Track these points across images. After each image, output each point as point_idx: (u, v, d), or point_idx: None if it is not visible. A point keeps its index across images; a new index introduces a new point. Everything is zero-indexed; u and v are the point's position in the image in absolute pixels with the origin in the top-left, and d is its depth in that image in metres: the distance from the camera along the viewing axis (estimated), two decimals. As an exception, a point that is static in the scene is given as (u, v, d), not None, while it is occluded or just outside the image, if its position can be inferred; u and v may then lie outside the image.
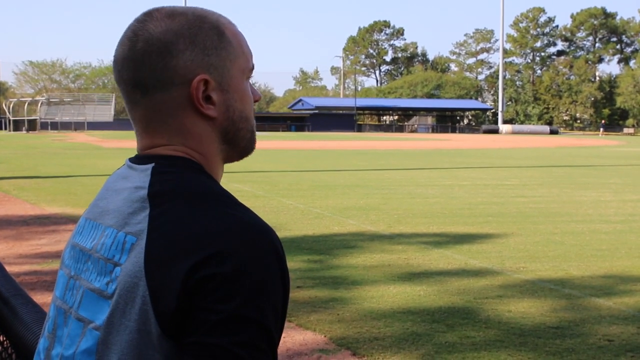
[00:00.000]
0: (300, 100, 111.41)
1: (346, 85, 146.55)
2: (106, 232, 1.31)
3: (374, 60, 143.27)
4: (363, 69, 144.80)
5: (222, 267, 1.16)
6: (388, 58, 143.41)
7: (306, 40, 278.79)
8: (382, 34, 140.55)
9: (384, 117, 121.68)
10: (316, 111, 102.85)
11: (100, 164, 27.13)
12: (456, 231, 11.77)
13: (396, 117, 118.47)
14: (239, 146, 1.42)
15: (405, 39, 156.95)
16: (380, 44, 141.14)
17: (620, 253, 10.00)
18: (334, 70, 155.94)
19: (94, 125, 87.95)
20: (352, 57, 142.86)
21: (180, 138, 1.35)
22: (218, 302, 1.15)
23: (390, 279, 8.24)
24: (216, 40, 1.36)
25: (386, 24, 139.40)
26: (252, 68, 1.43)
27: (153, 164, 1.33)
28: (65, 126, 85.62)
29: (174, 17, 1.34)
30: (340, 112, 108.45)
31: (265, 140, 55.85)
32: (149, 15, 1.36)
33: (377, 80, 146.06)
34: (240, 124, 1.40)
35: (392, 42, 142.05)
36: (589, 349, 5.89)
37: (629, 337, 6.22)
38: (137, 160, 1.38)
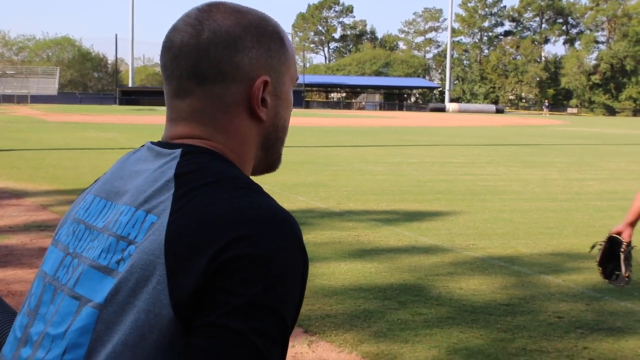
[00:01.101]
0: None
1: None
2: (122, 210, 1.27)
3: (323, 38, 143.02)
4: (312, 45, 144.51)
5: (251, 249, 1.14)
6: (337, 35, 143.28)
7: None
8: (332, 11, 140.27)
9: (332, 94, 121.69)
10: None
11: (44, 137, 26.65)
12: (406, 208, 11.79)
13: (344, 95, 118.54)
14: (271, 157, 1.43)
15: (354, 17, 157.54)
16: (329, 21, 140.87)
17: (568, 231, 10.11)
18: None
19: (38, 99, 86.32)
20: (301, 33, 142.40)
21: (223, 136, 1.32)
22: (241, 284, 1.12)
23: (341, 256, 8.21)
24: (278, 45, 1.36)
25: (335, 2, 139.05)
26: (297, 79, 1.44)
27: (182, 149, 1.29)
28: (8, 99, 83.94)
29: (241, 13, 1.33)
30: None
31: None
32: (214, 7, 1.33)
33: (325, 57, 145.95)
34: (280, 134, 1.41)
35: (341, 19, 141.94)
36: (540, 325, 5.92)
37: (578, 314, 6.27)
38: (165, 145, 1.33)
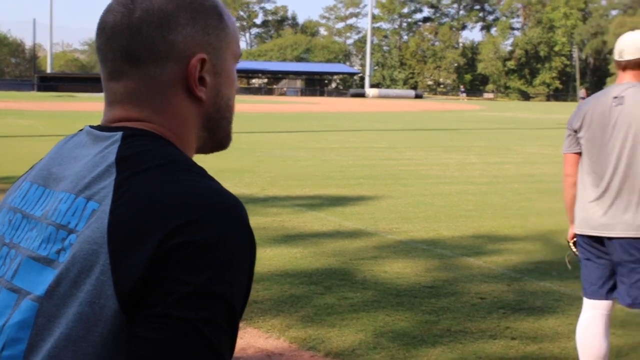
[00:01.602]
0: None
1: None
2: (61, 197, 1.21)
3: (244, 23, 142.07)
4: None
5: (199, 235, 1.10)
6: (258, 21, 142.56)
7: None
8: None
9: (254, 80, 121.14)
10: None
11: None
12: (329, 193, 11.86)
13: (266, 80, 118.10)
14: (217, 136, 1.36)
15: (275, 2, 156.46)
16: (250, 6, 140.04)
17: (487, 214, 10.32)
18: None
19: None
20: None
21: (161, 117, 1.27)
22: (189, 272, 1.08)
23: (266, 241, 8.22)
24: (217, 21, 1.30)
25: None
26: (240, 55, 1.39)
27: (123, 132, 1.24)
28: None
29: None
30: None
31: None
32: None
33: (247, 43, 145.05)
34: (225, 113, 1.35)
35: (262, 5, 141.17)
36: (463, 307, 6.05)
37: (499, 295, 6.43)
38: (104, 129, 1.27)
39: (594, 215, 4.27)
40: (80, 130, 1.33)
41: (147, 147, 1.21)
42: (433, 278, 6.93)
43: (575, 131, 4.35)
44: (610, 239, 4.19)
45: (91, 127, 1.30)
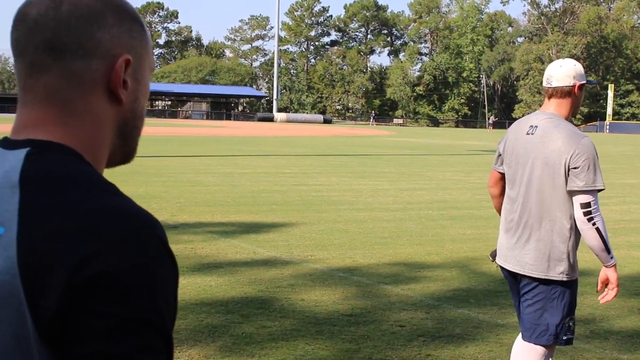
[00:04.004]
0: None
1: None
2: None
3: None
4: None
5: (114, 263, 1.04)
6: (161, 41, 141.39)
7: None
8: (156, 16, 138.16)
9: (157, 102, 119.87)
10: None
11: None
12: (241, 220, 11.72)
13: (169, 103, 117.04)
14: (128, 146, 1.31)
15: (179, 22, 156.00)
16: (153, 26, 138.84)
17: (402, 240, 10.34)
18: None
19: None
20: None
21: (77, 120, 1.20)
22: (111, 304, 1.03)
23: (179, 270, 8.00)
24: (139, 28, 1.28)
25: (160, 6, 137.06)
26: (154, 69, 1.34)
27: (29, 148, 1.15)
28: None
29: None
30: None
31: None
32: None
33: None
34: (138, 122, 1.30)
35: (165, 24, 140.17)
36: (383, 335, 6.00)
37: (418, 322, 6.41)
38: (9, 144, 1.18)
39: (501, 245, 4.28)
40: None
41: (53, 166, 1.14)
42: (351, 306, 6.86)
43: (500, 153, 4.36)
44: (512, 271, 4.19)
45: (4, 139, 1.22)
